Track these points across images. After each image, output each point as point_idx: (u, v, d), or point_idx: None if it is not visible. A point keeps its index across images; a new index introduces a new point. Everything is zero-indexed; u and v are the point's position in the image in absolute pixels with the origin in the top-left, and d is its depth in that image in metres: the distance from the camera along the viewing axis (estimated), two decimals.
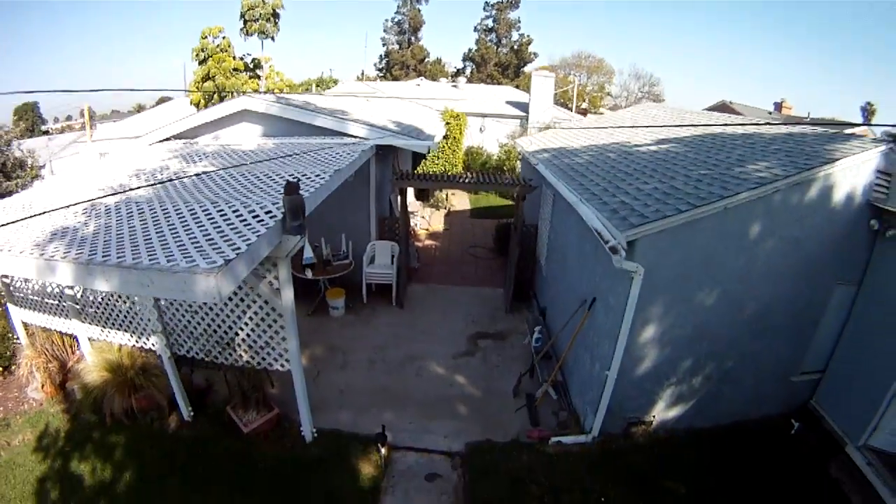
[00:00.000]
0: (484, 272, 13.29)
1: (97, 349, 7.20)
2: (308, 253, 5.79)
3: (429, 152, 14.55)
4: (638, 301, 5.96)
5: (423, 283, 12.41)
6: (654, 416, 7.04)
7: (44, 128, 47.63)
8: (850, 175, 5.99)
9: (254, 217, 5.38)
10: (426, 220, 17.61)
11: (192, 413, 7.14)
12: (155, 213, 5.84)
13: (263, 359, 6.48)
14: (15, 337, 8.24)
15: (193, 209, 5.86)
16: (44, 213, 5.49)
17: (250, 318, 6.25)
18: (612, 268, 6.07)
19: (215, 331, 6.54)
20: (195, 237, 4.93)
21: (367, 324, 10.27)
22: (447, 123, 18.85)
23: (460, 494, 6.14)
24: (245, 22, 27.84)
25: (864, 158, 5.99)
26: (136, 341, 7.05)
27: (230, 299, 6.20)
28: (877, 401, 6.15)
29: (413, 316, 10.68)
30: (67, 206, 5.77)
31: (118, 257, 4.54)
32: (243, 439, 6.76)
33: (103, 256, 4.58)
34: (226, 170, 7.83)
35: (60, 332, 7.99)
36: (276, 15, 28.15)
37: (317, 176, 6.96)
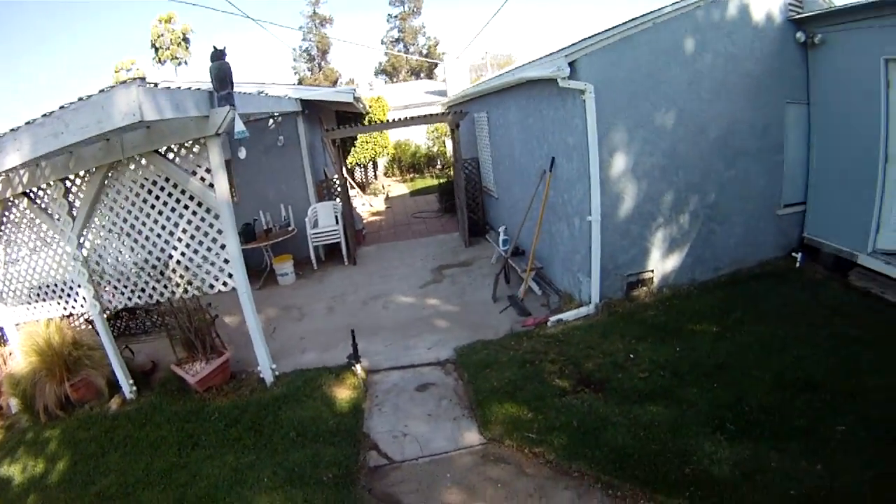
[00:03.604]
0: (434, 226, 12.04)
1: (25, 334, 5.68)
2: (240, 127, 4.51)
3: (361, 115, 13.44)
4: (598, 125, 5.37)
5: (373, 244, 11.06)
6: (652, 271, 6.03)
7: None
8: None
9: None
10: (367, 204, 16.36)
11: (134, 389, 5.68)
12: None
13: (203, 280, 5.21)
14: None
15: None
16: None
17: (184, 231, 5.08)
18: (563, 113, 5.84)
19: (146, 260, 5.24)
20: None
21: (320, 282, 8.81)
22: (369, 107, 17.64)
23: (462, 394, 4.81)
24: (156, 50, 25.92)
25: None
26: (65, 306, 5.69)
27: (160, 213, 5.04)
28: (866, 204, 5.53)
29: (368, 268, 9.29)
30: None
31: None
32: (195, 399, 5.32)
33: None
34: None
35: None
36: (186, 39, 26.28)
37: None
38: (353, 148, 17.73)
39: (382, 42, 47.26)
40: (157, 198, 5.01)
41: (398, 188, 20.39)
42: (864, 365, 4.16)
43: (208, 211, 4.95)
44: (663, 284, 6.08)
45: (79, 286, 5.45)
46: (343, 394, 4.96)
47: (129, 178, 5.00)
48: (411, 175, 23.19)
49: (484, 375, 4.85)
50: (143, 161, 4.90)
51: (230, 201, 4.93)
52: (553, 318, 5.77)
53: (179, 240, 5.13)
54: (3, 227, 5.72)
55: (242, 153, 5.29)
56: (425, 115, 9.80)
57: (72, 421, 5.40)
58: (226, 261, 5.10)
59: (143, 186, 5.00)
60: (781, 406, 3.86)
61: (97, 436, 5.02)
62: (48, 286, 5.77)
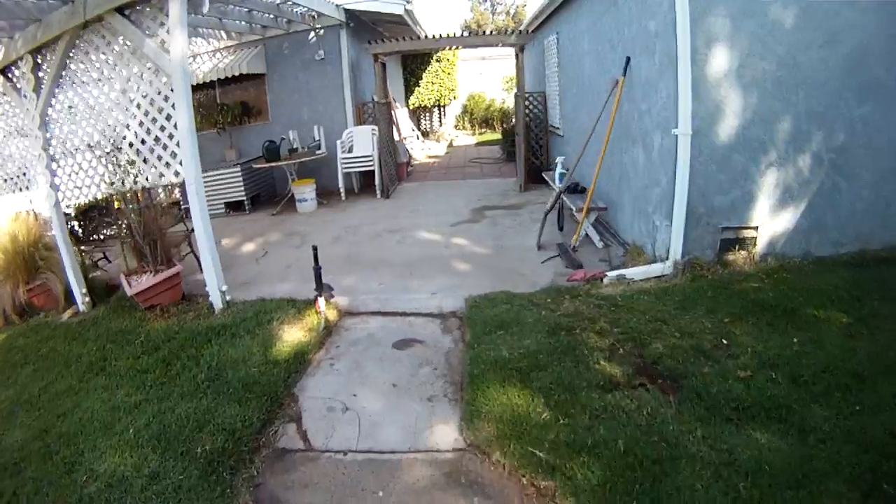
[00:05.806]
0: (490, 171, 10.25)
1: None
2: None
3: (429, 53, 11.72)
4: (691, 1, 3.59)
5: (417, 181, 9.49)
6: (756, 228, 4.02)
7: None
8: None
9: None
10: (427, 148, 14.80)
11: (87, 300, 4.79)
12: None
13: (154, 167, 4.30)
14: None
15: None
16: None
17: (138, 106, 4.29)
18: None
19: (99, 142, 4.51)
20: None
21: (342, 212, 7.38)
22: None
23: (456, 362, 3.17)
24: None
25: None
26: (29, 197, 5.23)
27: (116, 83, 4.39)
28: None
29: (401, 202, 7.77)
30: None
31: None
32: (136, 318, 4.25)
33: None
34: None
35: None
36: None
37: None
38: (416, 88, 16.04)
39: None
40: (115, 66, 4.38)
41: (465, 139, 18.72)
42: None
43: (164, 81, 4.09)
44: (768, 252, 4.07)
45: (38, 173, 4.77)
46: (293, 336, 3.48)
47: (91, 46, 4.42)
48: (482, 130, 21.38)
49: (493, 339, 3.19)
50: (108, 22, 4.17)
51: (186, 68, 4.02)
52: (612, 274, 3.99)
53: (133, 116, 4.32)
54: None
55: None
56: (485, 35, 8.02)
57: (20, 328, 4.64)
58: (178, 144, 4.10)
59: (103, 54, 4.40)
60: None
61: (28, 346, 4.20)
62: (17, 176, 5.30)
